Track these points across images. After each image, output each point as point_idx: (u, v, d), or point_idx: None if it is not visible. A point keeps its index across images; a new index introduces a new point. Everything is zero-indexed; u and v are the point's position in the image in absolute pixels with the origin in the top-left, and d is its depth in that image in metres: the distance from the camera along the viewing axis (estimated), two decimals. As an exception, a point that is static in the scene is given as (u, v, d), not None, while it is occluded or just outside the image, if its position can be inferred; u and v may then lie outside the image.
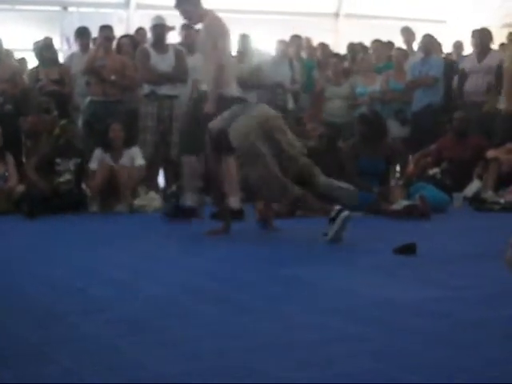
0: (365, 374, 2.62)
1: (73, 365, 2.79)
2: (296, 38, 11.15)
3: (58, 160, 8.57)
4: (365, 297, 3.91)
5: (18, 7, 12.74)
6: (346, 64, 11.11)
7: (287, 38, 11.12)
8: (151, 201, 8.47)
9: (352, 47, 11.46)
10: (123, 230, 6.97)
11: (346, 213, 5.71)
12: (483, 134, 9.45)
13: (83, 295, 4.07)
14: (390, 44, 11.44)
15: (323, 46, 11.48)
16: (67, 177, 8.60)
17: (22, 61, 10.70)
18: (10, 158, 8.76)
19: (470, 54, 10.53)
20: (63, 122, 8.93)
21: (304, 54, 11.29)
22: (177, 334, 3.21)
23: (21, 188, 8.59)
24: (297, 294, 3.99)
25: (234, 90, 6.77)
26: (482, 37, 10.12)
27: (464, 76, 10.14)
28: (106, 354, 2.93)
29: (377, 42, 11.23)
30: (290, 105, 10.51)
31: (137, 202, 8.42)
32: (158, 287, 4.27)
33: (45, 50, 9.85)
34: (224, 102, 6.52)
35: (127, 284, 4.39)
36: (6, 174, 8.65)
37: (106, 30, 9.88)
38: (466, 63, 10.32)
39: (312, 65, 11.17)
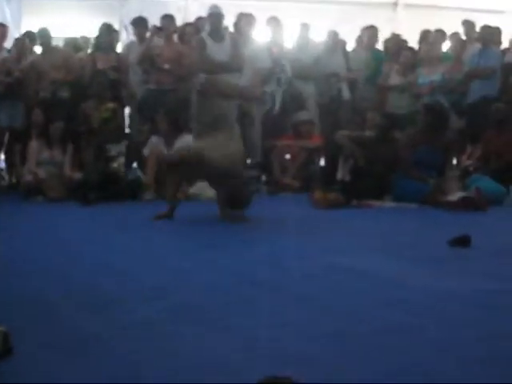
0: (422, 366, 2.63)
1: (132, 351, 2.83)
2: (370, 29, 11.05)
3: (108, 146, 8.77)
4: (418, 288, 3.89)
5: (78, -4, 12.86)
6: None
7: (344, 28, 11.07)
8: (205, 189, 8.50)
9: (425, 35, 11.30)
10: (178, 217, 7.00)
11: None
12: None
13: (141, 282, 4.11)
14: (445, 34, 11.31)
15: (395, 37, 11.41)
16: (121, 160, 8.76)
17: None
18: (69, 147, 8.93)
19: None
20: (113, 105, 9.06)
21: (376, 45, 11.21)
22: (233, 321, 3.24)
23: (78, 175, 8.74)
24: (352, 285, 4.00)
25: None
26: None
27: (509, 69, 10.04)
28: (164, 339, 2.97)
29: (439, 31, 11.10)
30: (346, 94, 10.45)
31: (191, 190, 8.50)
32: (215, 275, 4.30)
33: (104, 34, 9.95)
34: None
35: (184, 271, 4.43)
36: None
37: (168, 19, 9.95)
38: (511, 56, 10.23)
39: (382, 57, 11.03)
